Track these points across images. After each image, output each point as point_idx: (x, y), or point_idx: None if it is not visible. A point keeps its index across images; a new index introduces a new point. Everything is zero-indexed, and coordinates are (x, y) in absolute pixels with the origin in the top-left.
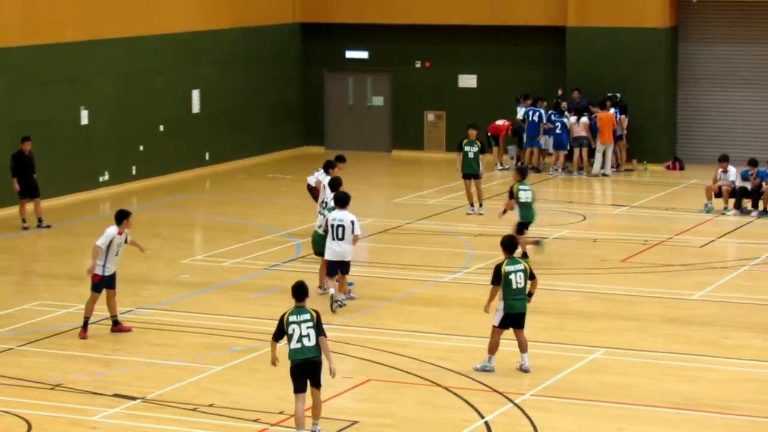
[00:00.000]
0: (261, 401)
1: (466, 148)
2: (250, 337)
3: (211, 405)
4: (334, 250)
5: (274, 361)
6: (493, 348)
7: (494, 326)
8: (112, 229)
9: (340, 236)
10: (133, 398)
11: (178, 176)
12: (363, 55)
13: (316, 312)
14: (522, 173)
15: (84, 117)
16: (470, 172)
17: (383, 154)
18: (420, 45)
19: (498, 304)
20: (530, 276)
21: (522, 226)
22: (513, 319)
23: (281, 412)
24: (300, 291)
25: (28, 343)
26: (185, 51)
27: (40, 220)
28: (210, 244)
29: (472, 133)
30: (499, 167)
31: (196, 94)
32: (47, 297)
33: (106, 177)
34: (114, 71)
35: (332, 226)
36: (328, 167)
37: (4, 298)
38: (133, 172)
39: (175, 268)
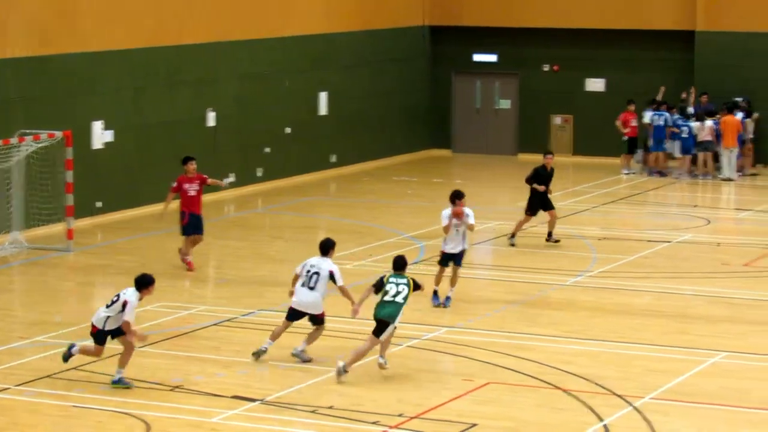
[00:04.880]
0: (380, 403)
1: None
2: None
3: (330, 407)
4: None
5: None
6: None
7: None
8: (134, 299)
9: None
10: (253, 400)
11: (303, 179)
12: (491, 58)
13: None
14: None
15: (210, 119)
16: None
17: (509, 157)
18: (548, 48)
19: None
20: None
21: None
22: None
23: (400, 415)
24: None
25: (149, 345)
26: (313, 54)
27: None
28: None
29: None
30: (625, 171)
31: (323, 97)
32: (169, 299)
33: (232, 179)
34: (241, 73)
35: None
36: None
37: None
38: (259, 174)
39: None
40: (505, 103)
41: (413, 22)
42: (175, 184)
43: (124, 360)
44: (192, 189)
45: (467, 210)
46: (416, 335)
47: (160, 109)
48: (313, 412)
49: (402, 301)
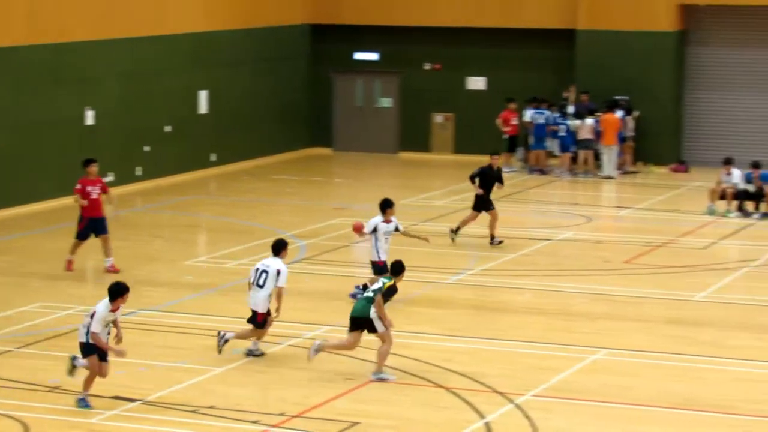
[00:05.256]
0: (262, 402)
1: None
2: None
3: (211, 407)
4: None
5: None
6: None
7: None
8: (102, 309)
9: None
10: (132, 400)
11: (183, 177)
12: (373, 56)
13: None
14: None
15: (89, 117)
16: None
17: (390, 155)
18: (430, 47)
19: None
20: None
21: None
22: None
23: (281, 414)
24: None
25: (27, 345)
26: (193, 52)
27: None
28: (214, 246)
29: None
30: (506, 170)
31: (203, 95)
32: (47, 299)
33: (111, 178)
34: (121, 71)
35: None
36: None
37: (3, 299)
38: (139, 173)
39: (178, 269)
40: (387, 102)
41: (293, 20)
42: (78, 186)
43: (88, 382)
44: (94, 192)
45: (392, 217)
46: (296, 334)
47: (38, 107)
48: (193, 411)
49: (371, 293)
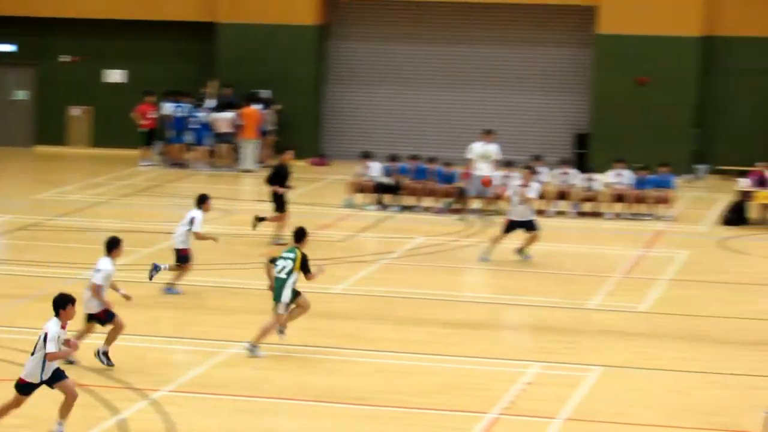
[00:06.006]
0: None
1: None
2: None
3: None
4: None
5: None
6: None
7: None
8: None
9: None
10: None
11: None
12: (9, 48)
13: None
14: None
15: None
16: None
17: (25, 149)
18: (69, 39)
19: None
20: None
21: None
22: None
23: None
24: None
25: None
26: None
27: None
28: None
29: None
30: (144, 163)
31: None
32: None
33: None
34: None
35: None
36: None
37: None
38: None
39: None
40: (22, 94)
41: None
42: None
43: (65, 410)
44: None
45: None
46: None
47: None
48: None
49: (284, 276)
